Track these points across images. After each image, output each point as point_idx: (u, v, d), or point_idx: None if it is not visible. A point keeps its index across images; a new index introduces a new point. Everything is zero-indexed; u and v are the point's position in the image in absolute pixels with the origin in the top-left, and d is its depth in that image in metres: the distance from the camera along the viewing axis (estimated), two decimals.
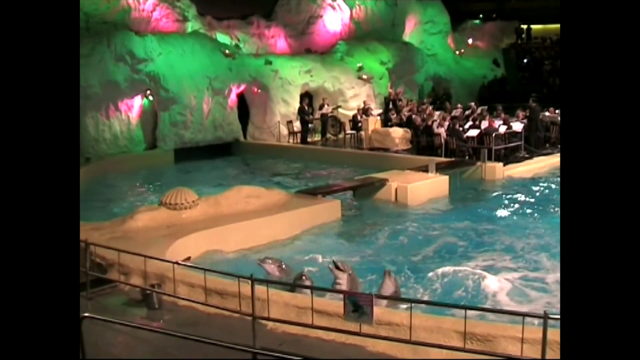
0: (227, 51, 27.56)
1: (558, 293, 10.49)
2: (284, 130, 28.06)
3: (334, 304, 7.78)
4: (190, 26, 28.18)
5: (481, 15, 47.45)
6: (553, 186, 19.25)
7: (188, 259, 11.28)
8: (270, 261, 10.80)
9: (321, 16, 32.84)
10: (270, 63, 28.69)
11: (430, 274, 11.16)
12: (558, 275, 11.41)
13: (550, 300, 10.18)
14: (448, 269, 11.35)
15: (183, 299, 8.86)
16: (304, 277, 9.79)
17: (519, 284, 11.01)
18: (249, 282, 7.30)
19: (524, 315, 6.76)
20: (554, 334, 6.40)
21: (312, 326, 7.38)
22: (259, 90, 28.47)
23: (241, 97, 28.46)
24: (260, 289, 7.67)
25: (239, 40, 30.29)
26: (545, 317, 6.07)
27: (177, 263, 8.94)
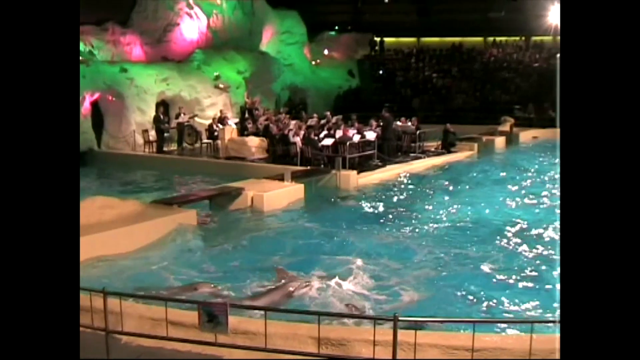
0: (80, 58, 26.84)
1: (403, 295, 10.95)
2: (140, 140, 27.58)
3: (190, 314, 7.78)
4: None
5: (337, 27, 48.51)
6: (404, 193, 20.02)
7: None
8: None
9: (178, 24, 32.58)
10: (125, 71, 28.19)
11: (284, 281, 11.38)
12: (404, 278, 11.84)
13: (397, 303, 10.53)
14: (303, 276, 11.61)
15: None
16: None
17: (370, 288, 11.35)
18: (101, 295, 7.20)
19: (375, 318, 7.06)
20: (405, 335, 6.74)
21: (167, 338, 7.34)
22: (114, 99, 27.88)
23: (95, 105, 27.75)
24: (113, 302, 7.58)
25: (93, 46, 29.57)
26: (395, 319, 6.36)
27: None
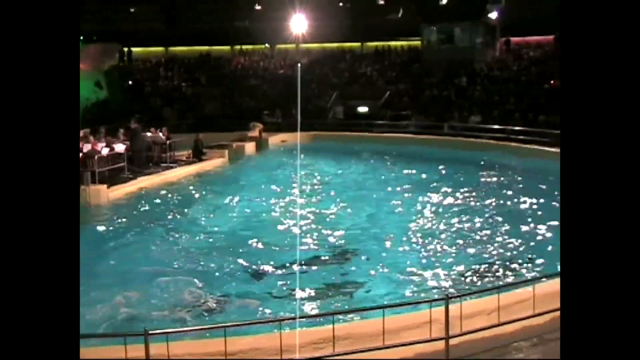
0: None
1: (152, 311, 11.14)
2: None
3: None
4: None
5: (82, 37, 47.15)
6: (155, 204, 20.22)
7: None
8: None
9: None
10: None
11: None
12: (168, 293, 11.96)
13: (145, 318, 10.68)
14: None
15: None
16: None
17: (124, 305, 11.39)
18: None
19: (125, 335, 7.16)
20: (157, 348, 6.88)
21: None
22: None
23: None
24: None
25: None
26: (145, 334, 6.60)
27: None
